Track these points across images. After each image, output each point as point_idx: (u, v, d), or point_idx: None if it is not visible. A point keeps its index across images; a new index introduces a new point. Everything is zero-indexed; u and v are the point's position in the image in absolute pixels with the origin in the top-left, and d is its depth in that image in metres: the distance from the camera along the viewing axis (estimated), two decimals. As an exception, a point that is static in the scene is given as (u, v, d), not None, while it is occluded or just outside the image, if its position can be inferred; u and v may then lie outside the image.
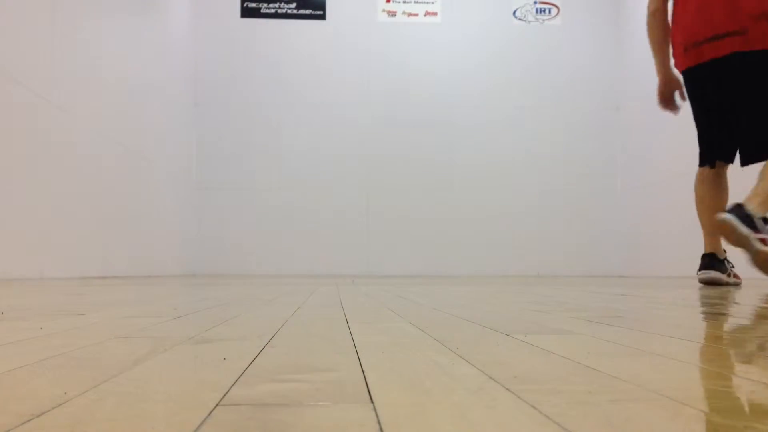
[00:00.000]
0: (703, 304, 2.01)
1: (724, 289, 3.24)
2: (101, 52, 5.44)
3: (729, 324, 1.35)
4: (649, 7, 3.62)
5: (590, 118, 8.47)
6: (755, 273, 3.24)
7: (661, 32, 3.55)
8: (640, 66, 7.95)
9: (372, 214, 8.24)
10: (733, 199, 3.34)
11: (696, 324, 1.34)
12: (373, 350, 0.89)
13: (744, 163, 3.45)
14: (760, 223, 3.05)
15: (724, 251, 3.55)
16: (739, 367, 0.75)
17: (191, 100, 8.11)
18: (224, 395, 0.56)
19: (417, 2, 8.61)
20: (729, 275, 3.55)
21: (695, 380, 0.67)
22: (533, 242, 8.34)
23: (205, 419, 0.48)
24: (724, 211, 3.11)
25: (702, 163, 3.54)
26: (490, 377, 0.65)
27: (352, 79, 9.12)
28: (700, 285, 3.62)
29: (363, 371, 0.69)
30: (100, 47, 5.42)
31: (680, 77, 3.63)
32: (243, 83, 8.32)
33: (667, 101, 3.64)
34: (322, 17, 8.43)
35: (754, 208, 3.04)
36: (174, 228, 7.47)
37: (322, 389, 0.59)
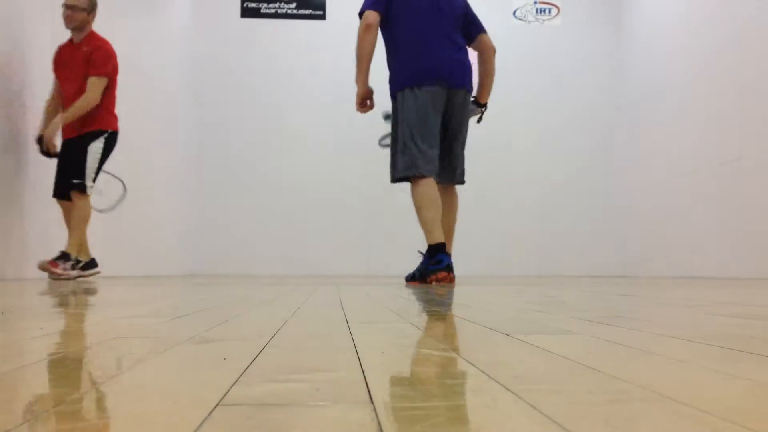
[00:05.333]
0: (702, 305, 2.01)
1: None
2: (101, 52, 5.43)
3: (729, 324, 1.35)
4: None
5: (590, 118, 8.46)
6: None
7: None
8: (640, 66, 7.95)
9: (372, 214, 8.24)
10: None
11: (696, 324, 1.34)
12: (373, 350, 0.89)
13: None
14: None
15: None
16: (738, 367, 0.75)
17: (191, 100, 8.10)
18: (224, 395, 0.56)
19: (417, 2, 8.60)
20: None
21: (695, 380, 0.67)
22: (533, 242, 8.33)
23: (205, 419, 0.48)
24: None
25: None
26: (490, 377, 0.65)
27: (352, 79, 9.09)
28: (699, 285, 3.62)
29: (363, 371, 0.69)
30: (100, 47, 5.41)
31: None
32: (243, 83, 8.32)
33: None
34: (322, 17, 8.43)
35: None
36: (174, 228, 7.46)
37: (322, 389, 0.59)
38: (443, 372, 0.72)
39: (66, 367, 0.75)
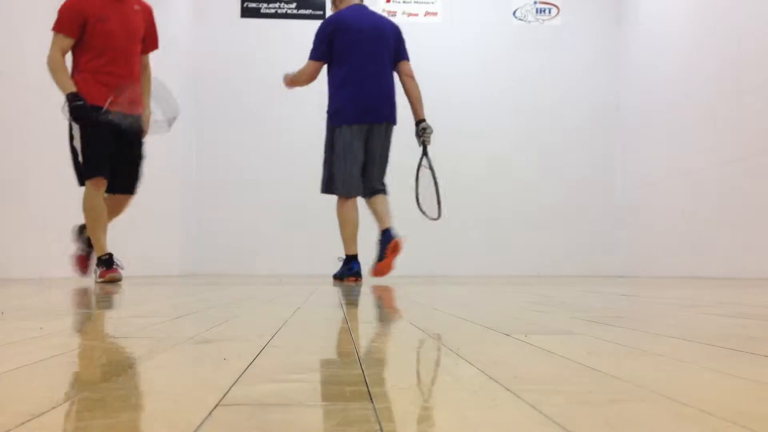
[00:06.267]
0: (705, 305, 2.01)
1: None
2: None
3: (729, 324, 1.35)
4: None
5: (590, 118, 8.46)
6: None
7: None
8: (640, 66, 7.95)
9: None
10: None
11: (696, 324, 1.34)
12: (373, 350, 0.89)
13: None
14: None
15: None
16: (738, 367, 0.75)
17: (191, 100, 8.10)
18: (224, 395, 0.56)
19: (417, 2, 8.60)
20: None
21: (695, 380, 0.67)
22: (533, 242, 8.33)
23: (205, 419, 0.48)
24: None
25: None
26: (491, 377, 0.65)
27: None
28: (701, 285, 3.63)
29: (363, 371, 0.69)
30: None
31: None
32: (243, 83, 8.31)
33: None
34: (322, 17, 8.42)
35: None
36: (174, 228, 7.45)
37: (322, 389, 0.59)
38: (443, 372, 0.72)
39: (66, 367, 0.75)
